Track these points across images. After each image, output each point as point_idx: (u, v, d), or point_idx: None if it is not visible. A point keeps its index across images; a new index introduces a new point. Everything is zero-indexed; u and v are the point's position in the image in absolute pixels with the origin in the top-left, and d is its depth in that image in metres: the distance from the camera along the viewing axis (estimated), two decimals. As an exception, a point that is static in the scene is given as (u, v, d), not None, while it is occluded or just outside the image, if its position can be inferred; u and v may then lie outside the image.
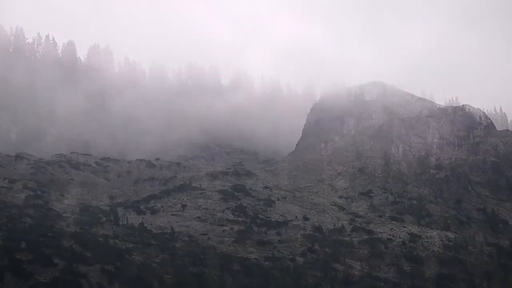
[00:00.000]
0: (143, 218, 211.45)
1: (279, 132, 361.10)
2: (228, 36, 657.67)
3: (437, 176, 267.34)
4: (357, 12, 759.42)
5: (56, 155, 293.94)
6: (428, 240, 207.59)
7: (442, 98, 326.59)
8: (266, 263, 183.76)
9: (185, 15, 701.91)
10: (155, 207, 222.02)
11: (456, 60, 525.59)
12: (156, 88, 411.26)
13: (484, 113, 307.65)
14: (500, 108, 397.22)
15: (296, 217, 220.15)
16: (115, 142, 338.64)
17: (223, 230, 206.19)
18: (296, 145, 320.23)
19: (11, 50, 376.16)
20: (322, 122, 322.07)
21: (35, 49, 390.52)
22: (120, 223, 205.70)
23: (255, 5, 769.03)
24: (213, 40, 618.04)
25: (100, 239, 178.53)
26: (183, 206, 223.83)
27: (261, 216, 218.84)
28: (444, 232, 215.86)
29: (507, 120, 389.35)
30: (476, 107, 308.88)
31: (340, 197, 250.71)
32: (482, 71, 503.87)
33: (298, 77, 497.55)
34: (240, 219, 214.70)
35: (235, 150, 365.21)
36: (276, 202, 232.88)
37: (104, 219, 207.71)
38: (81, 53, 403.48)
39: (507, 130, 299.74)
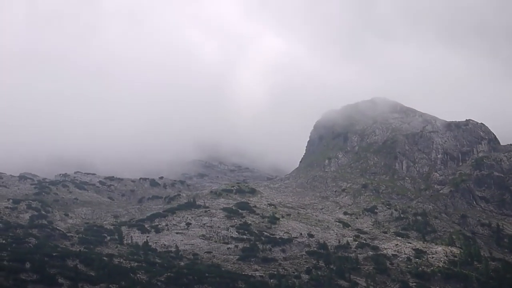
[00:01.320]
0: (147, 236, 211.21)
1: (283, 150, 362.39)
2: (216, 55, 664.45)
3: (441, 191, 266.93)
4: (340, 34, 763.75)
5: (60, 174, 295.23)
6: (433, 255, 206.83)
7: (444, 113, 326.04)
8: (272, 280, 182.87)
9: (174, 34, 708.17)
10: (159, 226, 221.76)
11: (442, 78, 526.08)
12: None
13: (487, 127, 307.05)
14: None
15: (301, 234, 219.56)
16: (117, 161, 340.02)
17: (227, 248, 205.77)
18: (300, 162, 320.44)
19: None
20: (325, 139, 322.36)
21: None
22: (125, 242, 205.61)
23: (242, 25, 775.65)
24: (203, 59, 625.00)
25: (105, 258, 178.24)
26: (188, 224, 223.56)
27: (265, 233, 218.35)
28: (449, 247, 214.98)
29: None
30: (480, 122, 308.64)
31: (345, 213, 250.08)
32: (469, 88, 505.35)
33: (290, 97, 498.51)
34: (244, 236, 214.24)
35: (239, 167, 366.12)
36: (281, 219, 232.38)
37: (109, 238, 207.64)
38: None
39: (510, 144, 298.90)
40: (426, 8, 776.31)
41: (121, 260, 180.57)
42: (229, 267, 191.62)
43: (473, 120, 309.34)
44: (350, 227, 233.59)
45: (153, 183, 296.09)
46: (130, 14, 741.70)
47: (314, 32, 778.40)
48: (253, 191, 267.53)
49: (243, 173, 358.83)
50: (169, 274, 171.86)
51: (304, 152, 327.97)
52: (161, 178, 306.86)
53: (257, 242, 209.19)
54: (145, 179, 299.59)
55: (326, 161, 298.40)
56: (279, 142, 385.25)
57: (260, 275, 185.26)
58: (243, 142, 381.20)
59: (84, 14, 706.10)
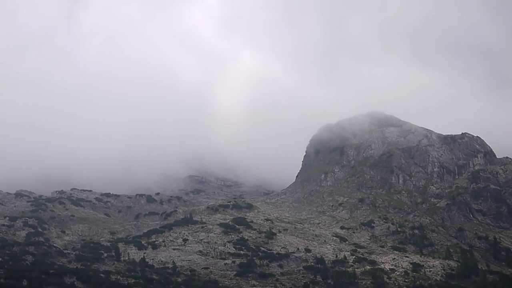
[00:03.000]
0: (144, 253, 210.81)
1: (279, 164, 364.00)
2: (195, 73, 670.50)
3: (438, 205, 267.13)
4: (314, 54, 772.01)
5: (56, 191, 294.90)
6: (430, 269, 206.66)
7: (440, 126, 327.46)
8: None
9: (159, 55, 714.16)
10: (156, 242, 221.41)
11: (419, 94, 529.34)
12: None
13: (483, 140, 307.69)
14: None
15: (298, 249, 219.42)
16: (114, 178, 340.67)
17: (225, 264, 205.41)
18: (296, 176, 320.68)
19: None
20: (321, 153, 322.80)
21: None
22: (122, 258, 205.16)
23: (218, 43, 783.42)
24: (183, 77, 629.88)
25: (102, 275, 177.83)
26: (185, 240, 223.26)
27: (262, 248, 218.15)
28: (447, 261, 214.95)
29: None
30: (476, 135, 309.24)
31: (342, 228, 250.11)
32: (446, 104, 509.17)
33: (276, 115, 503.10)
34: (241, 252, 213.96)
35: (235, 183, 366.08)
36: (278, 234, 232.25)
37: (106, 254, 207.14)
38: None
39: (507, 157, 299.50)
40: (398, 28, 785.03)
41: (118, 276, 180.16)
42: (226, 282, 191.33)
43: (469, 134, 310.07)
44: (347, 242, 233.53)
45: (150, 199, 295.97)
46: (107, 35, 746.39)
47: (289, 52, 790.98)
48: (249, 206, 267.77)
49: (240, 188, 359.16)
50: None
51: (299, 166, 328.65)
52: (158, 194, 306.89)
53: (254, 258, 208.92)
54: (141, 195, 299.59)
55: (323, 176, 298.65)
56: (264, 157, 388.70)
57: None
58: (227, 158, 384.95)
59: (60, 36, 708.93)
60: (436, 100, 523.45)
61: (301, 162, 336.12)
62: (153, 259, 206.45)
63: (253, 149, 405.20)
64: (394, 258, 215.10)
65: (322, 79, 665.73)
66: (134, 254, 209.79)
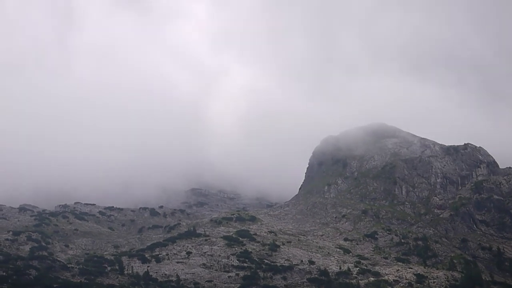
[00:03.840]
0: (148, 266, 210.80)
1: (276, 176, 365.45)
2: (189, 87, 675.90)
3: (441, 215, 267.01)
4: (306, 69, 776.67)
5: (59, 205, 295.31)
6: (434, 280, 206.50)
7: (439, 138, 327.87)
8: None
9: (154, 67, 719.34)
10: (160, 255, 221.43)
11: (412, 108, 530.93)
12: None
13: (486, 151, 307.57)
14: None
15: (302, 261, 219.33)
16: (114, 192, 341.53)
17: (228, 276, 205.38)
18: (300, 188, 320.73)
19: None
20: (324, 165, 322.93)
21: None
22: (126, 272, 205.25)
23: (211, 58, 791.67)
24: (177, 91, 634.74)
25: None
26: (188, 253, 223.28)
27: (266, 261, 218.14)
28: (450, 272, 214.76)
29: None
30: (478, 145, 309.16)
31: (345, 239, 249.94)
32: (440, 117, 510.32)
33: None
34: (245, 264, 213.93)
35: (238, 195, 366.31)
36: (281, 246, 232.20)
37: (109, 268, 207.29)
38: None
39: (509, 167, 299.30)
40: (388, 43, 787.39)
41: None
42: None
43: (472, 144, 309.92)
44: (350, 253, 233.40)
45: (153, 212, 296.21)
46: (100, 52, 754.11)
47: (280, 67, 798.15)
48: (253, 219, 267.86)
49: (243, 200, 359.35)
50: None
51: (298, 177, 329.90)
52: (161, 207, 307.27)
53: (258, 270, 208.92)
54: (144, 208, 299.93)
55: (326, 188, 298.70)
56: (261, 169, 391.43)
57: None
58: (224, 170, 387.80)
59: (54, 54, 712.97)
60: (431, 113, 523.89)
61: (299, 173, 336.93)
62: (156, 272, 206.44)
63: (249, 162, 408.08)
64: (398, 270, 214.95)
65: (313, 93, 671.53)
66: (138, 267, 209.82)
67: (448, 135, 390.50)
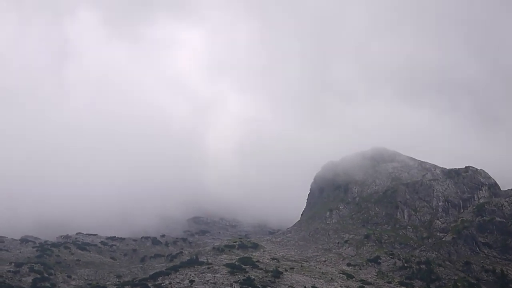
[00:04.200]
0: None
1: (282, 203, 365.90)
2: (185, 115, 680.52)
3: (444, 239, 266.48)
4: (300, 97, 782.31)
5: (61, 236, 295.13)
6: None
7: (439, 160, 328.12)
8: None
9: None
10: (163, 284, 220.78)
11: (409, 133, 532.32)
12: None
13: (487, 173, 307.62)
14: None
15: (305, 287, 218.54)
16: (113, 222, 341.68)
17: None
18: (301, 214, 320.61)
19: None
20: (326, 191, 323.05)
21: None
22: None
23: (204, 87, 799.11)
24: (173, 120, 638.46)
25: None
26: (191, 281, 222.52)
27: (269, 287, 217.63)
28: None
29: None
30: (482, 167, 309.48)
31: (348, 265, 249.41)
32: (438, 142, 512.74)
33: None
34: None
35: (240, 223, 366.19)
36: (284, 273, 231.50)
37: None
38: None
39: (511, 189, 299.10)
40: (381, 68, 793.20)
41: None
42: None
43: (473, 167, 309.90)
44: (354, 278, 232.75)
45: (155, 241, 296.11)
46: (95, 83, 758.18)
47: (274, 94, 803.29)
48: (255, 246, 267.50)
49: (245, 228, 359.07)
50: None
51: (297, 203, 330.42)
52: (163, 236, 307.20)
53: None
54: (146, 237, 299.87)
55: (328, 213, 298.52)
56: (259, 196, 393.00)
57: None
58: (222, 198, 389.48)
59: (47, 86, 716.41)
60: (426, 137, 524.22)
61: (299, 199, 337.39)
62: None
63: (248, 189, 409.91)
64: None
65: (309, 119, 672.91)
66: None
67: (445, 158, 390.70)
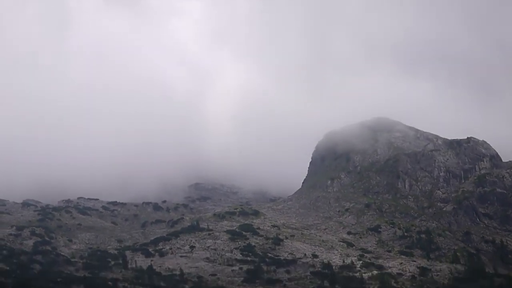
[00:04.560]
0: (151, 260, 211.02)
1: (282, 171, 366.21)
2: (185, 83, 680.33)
3: (444, 209, 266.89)
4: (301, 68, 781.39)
5: (63, 200, 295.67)
6: (438, 273, 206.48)
7: (445, 131, 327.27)
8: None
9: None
10: (163, 249, 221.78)
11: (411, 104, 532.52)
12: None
13: (489, 144, 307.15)
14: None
15: (305, 254, 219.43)
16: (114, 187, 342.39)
17: (232, 270, 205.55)
18: (303, 183, 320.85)
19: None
20: (327, 159, 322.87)
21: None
22: (129, 266, 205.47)
23: (204, 56, 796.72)
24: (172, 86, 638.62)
25: (109, 283, 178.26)
26: (192, 247, 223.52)
27: (270, 255, 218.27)
28: (454, 264, 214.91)
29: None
30: (481, 139, 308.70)
31: (349, 233, 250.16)
32: (440, 113, 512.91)
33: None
34: (249, 258, 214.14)
35: (241, 190, 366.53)
36: (285, 240, 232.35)
37: (113, 263, 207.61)
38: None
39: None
40: (381, 41, 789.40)
41: (126, 284, 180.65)
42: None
43: (475, 138, 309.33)
44: (354, 247, 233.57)
45: (156, 207, 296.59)
46: (95, 50, 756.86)
47: (273, 65, 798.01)
48: (256, 213, 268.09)
49: (246, 195, 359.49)
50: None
51: (298, 172, 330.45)
52: (164, 202, 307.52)
53: (262, 264, 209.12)
54: (148, 203, 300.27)
55: (329, 182, 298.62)
56: (261, 164, 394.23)
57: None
58: (222, 165, 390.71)
59: (48, 54, 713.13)
60: (426, 108, 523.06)
61: (299, 168, 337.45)
62: (160, 266, 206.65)
63: (248, 156, 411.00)
64: (401, 263, 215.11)
65: (308, 90, 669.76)
66: (141, 261, 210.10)
67: (444, 131, 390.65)
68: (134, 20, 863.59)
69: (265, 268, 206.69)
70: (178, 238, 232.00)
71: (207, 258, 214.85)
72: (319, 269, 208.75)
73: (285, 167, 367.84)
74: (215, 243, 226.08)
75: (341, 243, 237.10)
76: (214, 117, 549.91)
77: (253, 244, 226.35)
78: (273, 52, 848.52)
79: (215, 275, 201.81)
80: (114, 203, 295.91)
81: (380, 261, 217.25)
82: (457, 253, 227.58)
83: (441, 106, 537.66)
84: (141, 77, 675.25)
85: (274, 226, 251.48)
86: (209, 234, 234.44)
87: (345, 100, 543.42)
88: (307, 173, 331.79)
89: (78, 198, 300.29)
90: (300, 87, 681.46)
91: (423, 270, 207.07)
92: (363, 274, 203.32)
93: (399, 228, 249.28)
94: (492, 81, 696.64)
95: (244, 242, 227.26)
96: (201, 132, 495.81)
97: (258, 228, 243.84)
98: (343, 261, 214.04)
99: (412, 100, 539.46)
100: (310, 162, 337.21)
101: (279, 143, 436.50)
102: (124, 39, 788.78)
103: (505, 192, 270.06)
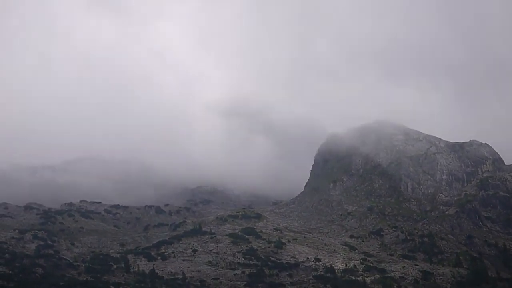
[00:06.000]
0: (154, 264, 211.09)
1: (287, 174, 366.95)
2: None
3: (447, 212, 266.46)
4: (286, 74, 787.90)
5: (65, 204, 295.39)
6: (440, 277, 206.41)
7: (447, 134, 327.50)
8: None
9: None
10: (165, 253, 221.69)
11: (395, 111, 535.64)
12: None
13: (492, 148, 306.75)
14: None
15: (308, 258, 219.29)
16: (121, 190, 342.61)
17: (234, 274, 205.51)
18: (305, 186, 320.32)
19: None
20: (329, 162, 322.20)
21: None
22: (131, 270, 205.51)
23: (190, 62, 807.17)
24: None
25: (111, 287, 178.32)
26: (194, 251, 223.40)
27: (272, 258, 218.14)
28: (456, 268, 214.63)
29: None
30: (484, 142, 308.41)
31: (351, 236, 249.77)
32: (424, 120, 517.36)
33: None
34: (251, 262, 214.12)
35: (244, 193, 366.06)
36: (287, 244, 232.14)
37: (115, 266, 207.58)
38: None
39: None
40: (362, 47, 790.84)
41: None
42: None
43: (477, 141, 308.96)
44: (356, 250, 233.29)
45: (159, 210, 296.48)
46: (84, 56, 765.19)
47: (259, 71, 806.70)
48: (258, 216, 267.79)
49: (249, 198, 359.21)
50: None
51: (309, 176, 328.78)
52: (167, 205, 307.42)
53: (264, 267, 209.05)
54: (150, 206, 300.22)
55: (331, 185, 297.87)
56: (265, 168, 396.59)
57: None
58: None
59: (37, 58, 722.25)
60: (416, 114, 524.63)
61: (304, 171, 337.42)
62: (162, 270, 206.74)
63: (251, 160, 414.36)
64: (404, 267, 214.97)
65: (294, 96, 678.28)
66: (144, 265, 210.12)
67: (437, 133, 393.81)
68: (121, 23, 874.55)
69: (267, 272, 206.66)
70: (181, 242, 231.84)
71: (210, 261, 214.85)
72: (322, 273, 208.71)
73: (289, 170, 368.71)
74: (217, 246, 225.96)
75: (344, 247, 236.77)
76: (200, 121, 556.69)
77: (255, 247, 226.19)
78: (258, 58, 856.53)
79: (218, 279, 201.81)
80: (116, 207, 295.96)
81: (382, 264, 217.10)
82: (460, 257, 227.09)
83: (426, 111, 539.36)
84: (129, 81, 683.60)
85: (276, 229, 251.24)
86: (211, 238, 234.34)
87: (333, 105, 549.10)
88: (309, 176, 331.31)
89: (81, 201, 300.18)
90: (285, 91, 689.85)
91: (426, 274, 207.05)
92: (366, 278, 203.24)
93: (402, 232, 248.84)
94: (476, 86, 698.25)
95: (247, 246, 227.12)
96: (192, 138, 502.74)
97: (261, 232, 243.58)
98: (346, 265, 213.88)
99: (396, 106, 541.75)
100: (313, 165, 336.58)
101: (284, 147, 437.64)
102: (111, 44, 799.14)
103: (508, 195, 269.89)
